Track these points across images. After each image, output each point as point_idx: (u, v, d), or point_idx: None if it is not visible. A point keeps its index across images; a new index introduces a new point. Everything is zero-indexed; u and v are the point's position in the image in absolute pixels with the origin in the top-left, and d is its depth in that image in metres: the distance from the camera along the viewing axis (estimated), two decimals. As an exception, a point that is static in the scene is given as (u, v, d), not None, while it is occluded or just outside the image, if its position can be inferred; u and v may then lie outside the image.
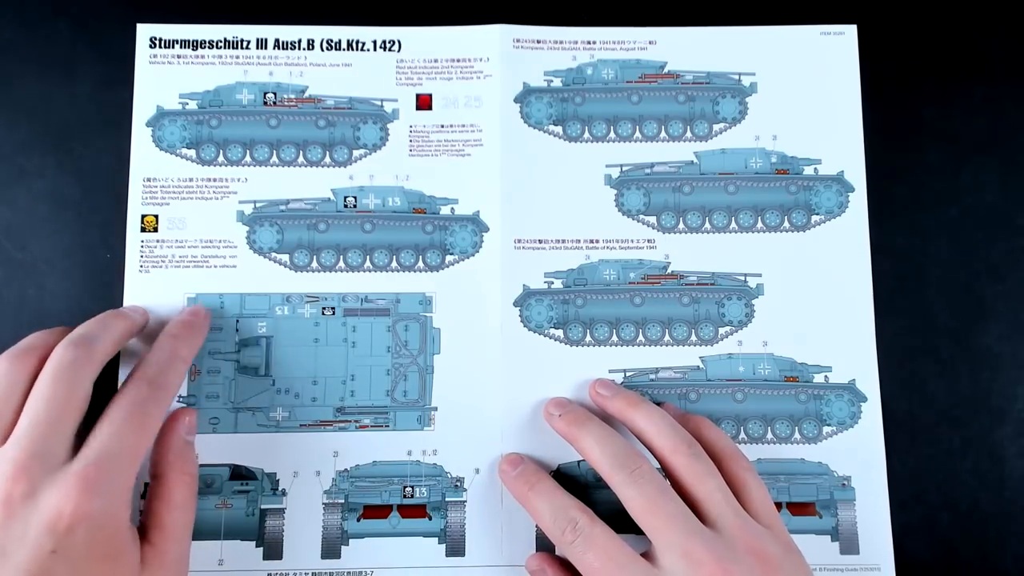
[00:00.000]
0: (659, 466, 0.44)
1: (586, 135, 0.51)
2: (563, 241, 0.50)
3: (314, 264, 0.49)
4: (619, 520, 0.42)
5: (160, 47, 0.51)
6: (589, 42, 0.52)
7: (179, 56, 0.51)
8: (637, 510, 0.41)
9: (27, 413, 0.39)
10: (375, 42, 0.51)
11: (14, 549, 0.36)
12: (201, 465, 0.47)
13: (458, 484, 0.47)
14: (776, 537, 0.42)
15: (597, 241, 0.50)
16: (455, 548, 0.47)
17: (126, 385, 0.42)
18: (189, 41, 0.51)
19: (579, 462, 0.48)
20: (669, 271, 0.50)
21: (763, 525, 0.42)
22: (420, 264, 0.49)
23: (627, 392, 0.47)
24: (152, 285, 0.49)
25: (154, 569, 0.40)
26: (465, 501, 0.47)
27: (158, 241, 0.49)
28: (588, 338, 0.49)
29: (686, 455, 0.43)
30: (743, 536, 0.40)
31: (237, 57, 0.51)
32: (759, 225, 0.50)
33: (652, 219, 0.50)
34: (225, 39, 0.51)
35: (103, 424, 0.40)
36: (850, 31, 0.51)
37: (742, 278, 0.49)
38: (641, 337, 0.49)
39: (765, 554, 0.40)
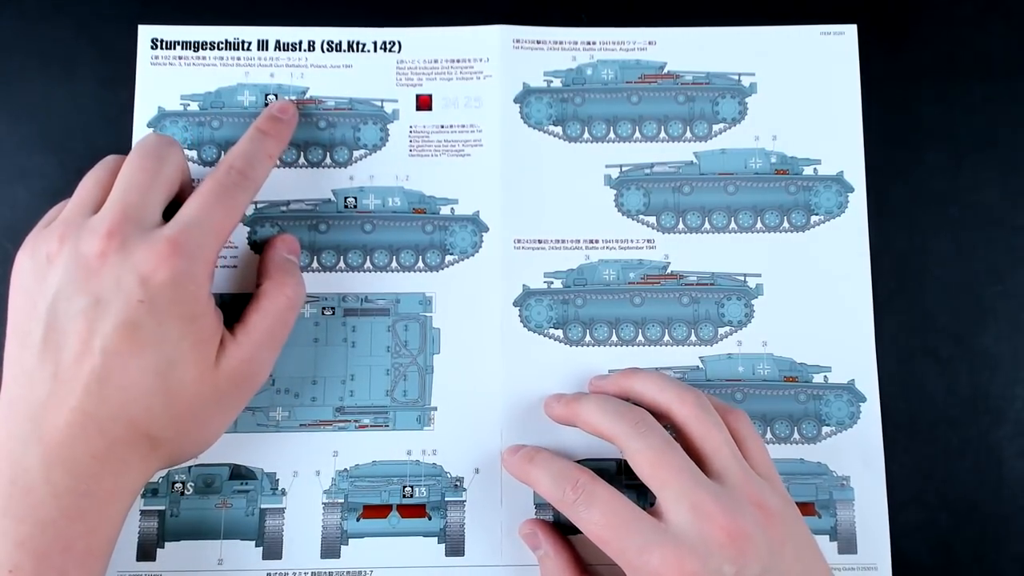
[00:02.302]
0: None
1: (586, 135, 0.51)
2: (563, 241, 0.50)
3: (314, 264, 0.49)
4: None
5: (161, 48, 0.51)
6: (589, 43, 0.52)
7: (180, 57, 0.51)
8: (643, 463, 0.41)
9: (119, 183, 0.42)
10: (375, 43, 0.51)
11: (108, 297, 0.39)
12: (200, 465, 0.48)
13: (458, 484, 0.48)
14: (775, 489, 0.42)
15: (597, 241, 0.50)
16: (455, 548, 0.47)
17: (216, 170, 0.44)
18: (190, 42, 0.51)
19: (579, 462, 0.47)
20: (669, 271, 0.50)
21: (762, 478, 0.42)
22: (420, 264, 0.50)
23: (621, 372, 0.47)
24: (153, 285, 0.49)
25: (230, 358, 0.42)
26: (465, 501, 0.47)
27: (159, 241, 0.49)
28: (588, 338, 0.49)
29: (693, 406, 0.42)
30: (747, 488, 0.40)
31: (238, 58, 0.51)
32: (759, 225, 0.50)
33: (652, 219, 0.50)
34: (226, 40, 0.51)
35: (192, 200, 0.42)
36: (850, 31, 0.51)
37: (742, 278, 0.49)
38: (641, 337, 0.49)
39: (767, 506, 0.40)
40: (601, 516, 0.40)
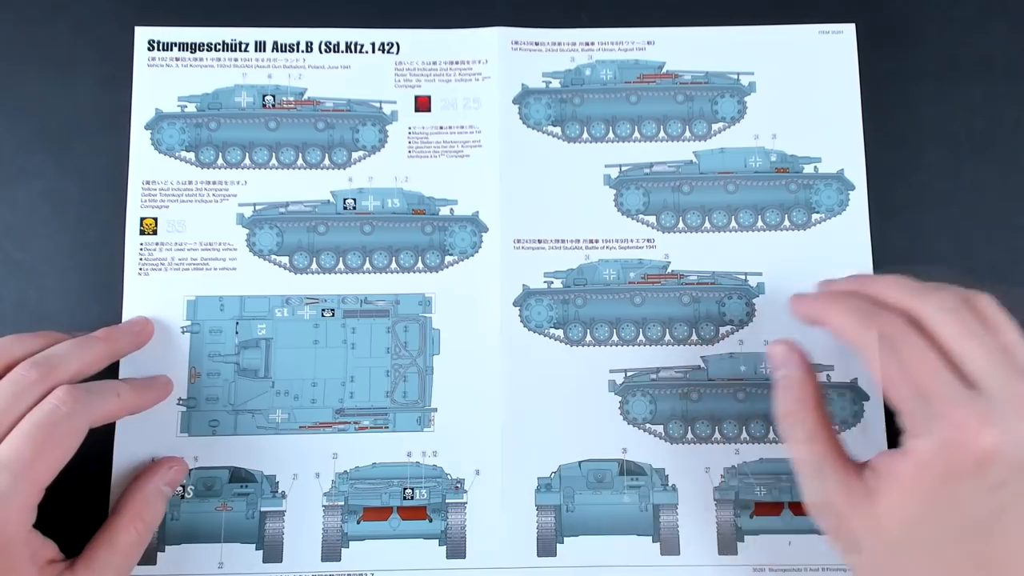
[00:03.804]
0: None
1: (585, 135, 0.51)
2: (562, 241, 0.49)
3: (314, 266, 0.49)
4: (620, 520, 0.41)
5: (158, 50, 0.51)
6: (587, 43, 0.52)
7: (177, 59, 0.51)
8: (889, 379, 0.38)
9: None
10: (374, 44, 0.51)
11: None
12: (201, 468, 0.47)
13: (458, 486, 0.47)
14: None
15: (597, 241, 0.50)
16: (456, 550, 0.47)
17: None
18: (187, 44, 0.51)
19: (580, 463, 0.47)
20: (669, 270, 0.49)
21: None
22: (419, 265, 0.49)
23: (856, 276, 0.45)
24: (151, 288, 0.49)
25: None
26: (465, 503, 0.47)
27: (157, 244, 0.49)
28: (588, 338, 0.49)
29: (942, 308, 0.38)
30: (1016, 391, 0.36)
31: (236, 60, 0.51)
32: (759, 224, 0.50)
33: (652, 219, 0.50)
34: (223, 42, 0.51)
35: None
36: (848, 30, 0.51)
37: (742, 277, 0.49)
38: (641, 337, 0.49)
39: None
40: (915, 352, 0.37)
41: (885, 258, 0.49)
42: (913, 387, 0.37)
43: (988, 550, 0.36)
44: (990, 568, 0.36)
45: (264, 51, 0.51)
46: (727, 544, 0.47)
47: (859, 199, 0.50)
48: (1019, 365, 0.37)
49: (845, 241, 0.49)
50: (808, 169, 0.50)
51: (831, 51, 0.51)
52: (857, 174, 0.50)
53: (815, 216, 0.50)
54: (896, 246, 0.50)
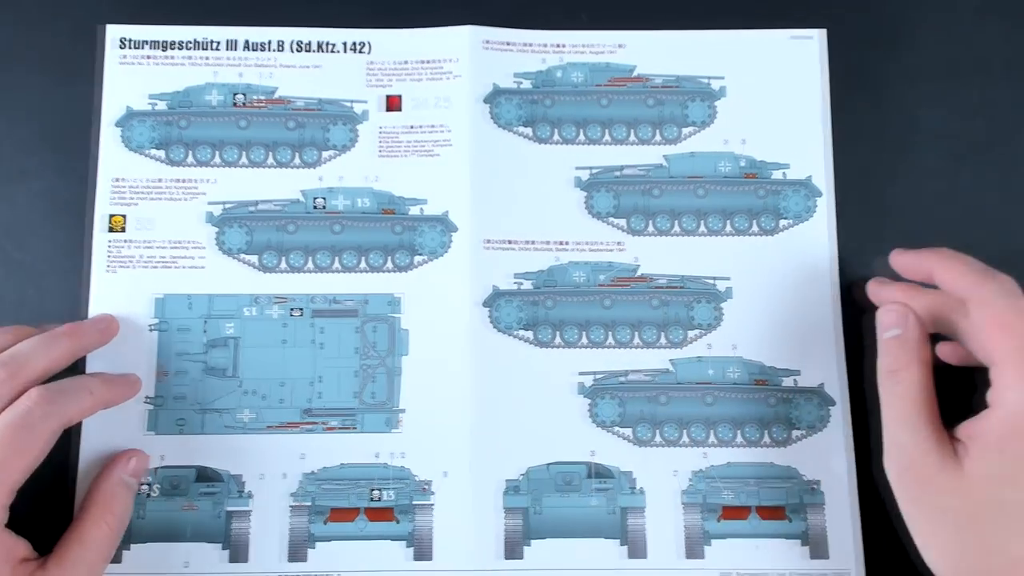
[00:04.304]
0: None
1: (556, 137, 0.51)
2: (532, 242, 0.49)
3: (283, 265, 0.49)
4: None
5: (129, 48, 0.51)
6: (558, 45, 0.52)
7: (148, 57, 0.51)
8: (996, 324, 0.39)
9: None
10: (345, 44, 0.51)
11: None
12: (167, 467, 0.47)
13: (426, 487, 0.47)
14: None
15: (567, 243, 0.50)
16: (422, 552, 0.47)
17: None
18: (159, 42, 0.51)
19: (548, 465, 0.47)
20: (638, 274, 0.50)
21: None
22: (389, 265, 0.49)
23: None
24: (119, 286, 0.48)
25: None
26: (433, 504, 0.47)
27: (125, 241, 0.49)
28: (557, 340, 0.49)
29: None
30: None
31: (207, 58, 0.51)
32: (728, 228, 0.50)
33: (622, 221, 0.50)
34: (195, 40, 0.51)
35: None
36: (819, 35, 0.51)
37: (711, 281, 0.49)
38: (610, 339, 0.49)
39: None
40: (1019, 312, 0.38)
41: (851, 264, 0.49)
42: (1013, 342, 0.37)
43: None
44: None
45: (235, 50, 0.51)
46: (694, 548, 0.47)
47: (826, 205, 0.50)
48: None
49: (812, 247, 0.50)
50: (776, 175, 0.50)
51: (801, 57, 0.51)
52: (824, 180, 0.50)
53: (783, 222, 0.50)
54: (862, 252, 0.50)
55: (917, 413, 0.40)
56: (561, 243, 0.50)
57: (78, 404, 0.43)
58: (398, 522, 0.47)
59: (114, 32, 0.51)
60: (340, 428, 0.48)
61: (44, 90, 0.50)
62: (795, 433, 0.48)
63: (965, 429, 0.39)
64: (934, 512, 0.39)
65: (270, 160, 0.50)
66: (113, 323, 0.47)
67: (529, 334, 0.49)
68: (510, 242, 0.49)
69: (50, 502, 0.46)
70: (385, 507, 0.47)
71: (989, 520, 0.37)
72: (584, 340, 0.49)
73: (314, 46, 0.51)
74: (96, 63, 0.51)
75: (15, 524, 0.41)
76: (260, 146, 0.50)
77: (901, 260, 0.45)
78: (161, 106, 0.50)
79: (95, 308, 0.48)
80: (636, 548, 0.47)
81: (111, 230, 0.49)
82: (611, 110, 0.51)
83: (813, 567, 0.47)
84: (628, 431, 0.48)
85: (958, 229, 0.50)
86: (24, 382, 0.41)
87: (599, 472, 0.48)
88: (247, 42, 0.51)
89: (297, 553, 0.47)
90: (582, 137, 0.51)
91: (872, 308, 0.45)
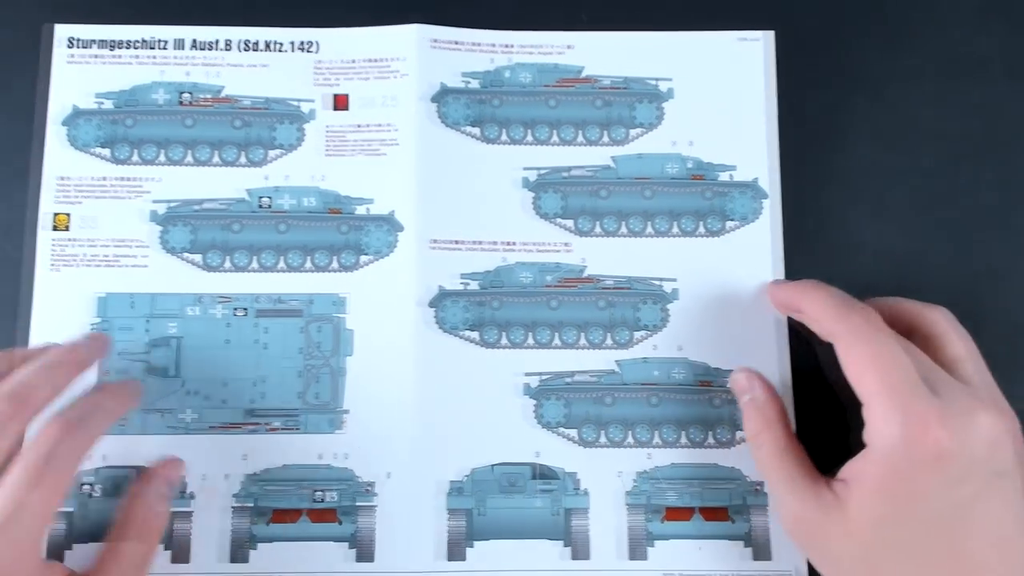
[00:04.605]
0: None
1: (503, 137, 0.51)
2: (479, 242, 0.49)
3: (227, 264, 0.49)
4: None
5: (78, 47, 0.51)
6: (507, 45, 0.52)
7: (96, 56, 0.51)
8: (860, 369, 0.39)
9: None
10: (292, 43, 0.51)
11: None
12: (108, 467, 0.47)
13: (369, 489, 0.47)
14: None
15: (514, 243, 0.50)
16: (365, 554, 0.46)
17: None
18: (106, 41, 0.51)
19: (492, 466, 0.47)
20: (585, 275, 0.49)
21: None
22: (334, 265, 0.49)
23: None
24: (62, 284, 0.48)
25: None
26: (375, 506, 0.47)
27: (69, 240, 0.49)
28: (503, 340, 0.49)
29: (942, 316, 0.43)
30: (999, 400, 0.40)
31: (154, 57, 0.51)
32: (675, 230, 0.50)
33: (569, 222, 0.50)
34: (142, 39, 0.51)
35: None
36: (767, 37, 0.52)
37: (657, 282, 0.49)
38: (557, 340, 0.49)
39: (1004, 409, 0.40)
40: (887, 348, 0.38)
41: (797, 266, 0.49)
42: (882, 379, 0.38)
43: (958, 544, 0.37)
44: (962, 562, 0.37)
45: (183, 49, 0.51)
46: (637, 549, 0.47)
47: (772, 207, 0.50)
48: (964, 377, 0.40)
49: (758, 249, 0.50)
50: (723, 176, 0.50)
51: (749, 58, 0.51)
52: (771, 182, 0.50)
53: (729, 223, 0.50)
54: (808, 254, 0.50)
55: (787, 470, 0.41)
56: (508, 244, 0.50)
57: (98, 427, 0.41)
58: (341, 523, 0.47)
59: (62, 31, 0.51)
60: (283, 429, 0.47)
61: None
62: (739, 435, 0.48)
63: (846, 470, 0.39)
64: (828, 559, 0.40)
65: (216, 159, 0.50)
66: (107, 339, 0.47)
67: (475, 335, 0.49)
68: (457, 242, 0.49)
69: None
70: (328, 508, 0.47)
71: (880, 561, 0.38)
72: (530, 341, 0.49)
73: (261, 45, 0.51)
74: (44, 62, 0.50)
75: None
76: (206, 145, 0.50)
77: (774, 295, 0.47)
78: (108, 105, 0.50)
79: (39, 307, 0.48)
80: (579, 549, 0.47)
81: (55, 228, 0.49)
82: (559, 111, 0.51)
83: (756, 568, 0.47)
84: (573, 432, 0.48)
85: (903, 230, 0.50)
86: (31, 416, 0.40)
87: (543, 473, 0.47)
88: (195, 41, 0.51)
89: (238, 554, 0.46)
90: (530, 138, 0.51)
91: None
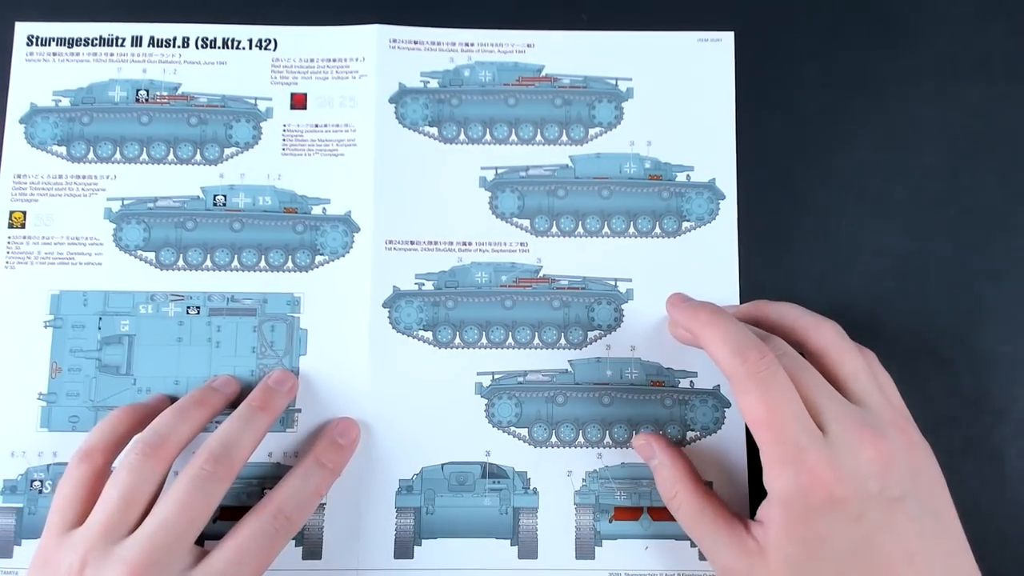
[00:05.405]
0: None
1: (462, 137, 0.51)
2: (435, 243, 0.49)
3: (180, 263, 0.49)
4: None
5: (37, 45, 0.51)
6: (467, 44, 0.52)
7: (55, 54, 0.51)
8: (752, 417, 0.39)
9: (161, 507, 0.40)
10: (251, 41, 0.51)
11: None
12: (60, 463, 0.47)
13: (319, 486, 0.47)
14: (911, 421, 0.42)
15: (470, 243, 0.50)
16: (312, 551, 0.46)
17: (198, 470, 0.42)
18: (65, 39, 0.51)
19: (442, 465, 0.47)
20: (541, 274, 0.49)
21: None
22: (289, 264, 0.49)
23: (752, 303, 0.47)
24: (17, 282, 0.48)
25: None
26: (325, 503, 0.47)
27: (25, 237, 0.49)
28: (457, 340, 0.49)
29: (832, 334, 0.43)
30: (889, 413, 0.40)
31: (111, 55, 0.51)
32: (631, 230, 0.50)
33: (526, 222, 0.50)
34: (100, 37, 0.51)
35: (163, 501, 0.41)
36: (727, 38, 0.51)
37: (612, 283, 0.49)
38: (511, 340, 0.49)
39: (909, 432, 0.40)
40: (778, 395, 0.38)
41: (752, 268, 0.49)
42: (773, 430, 0.38)
43: (873, 573, 0.37)
44: None
45: (140, 46, 0.51)
46: (585, 548, 0.47)
47: (729, 209, 0.50)
48: (858, 393, 0.41)
49: (714, 250, 0.49)
50: (681, 177, 0.50)
51: (709, 59, 0.51)
52: (728, 184, 0.50)
53: (685, 224, 0.50)
54: (764, 256, 0.49)
55: (707, 526, 0.42)
56: (465, 244, 0.50)
57: (247, 455, 0.44)
58: (291, 521, 0.46)
59: (22, 29, 0.51)
60: (235, 426, 0.47)
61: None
62: (690, 434, 0.48)
63: (761, 512, 0.40)
64: None
65: (171, 156, 0.50)
66: (295, 380, 0.47)
67: (429, 335, 0.49)
68: (412, 243, 0.49)
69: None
70: (279, 506, 0.47)
71: None
72: (484, 341, 0.49)
73: (219, 43, 0.51)
74: (3, 61, 0.50)
75: None
76: (161, 142, 0.50)
77: (673, 313, 0.46)
78: (65, 103, 0.50)
79: (-6, 304, 0.48)
80: (527, 548, 0.47)
81: (11, 226, 0.49)
82: (518, 110, 0.51)
83: (702, 568, 0.46)
84: (524, 431, 0.48)
85: (863, 233, 0.50)
86: (237, 470, 0.42)
87: (493, 472, 0.47)
88: (152, 38, 0.51)
89: (189, 551, 0.46)
90: (488, 137, 0.51)
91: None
